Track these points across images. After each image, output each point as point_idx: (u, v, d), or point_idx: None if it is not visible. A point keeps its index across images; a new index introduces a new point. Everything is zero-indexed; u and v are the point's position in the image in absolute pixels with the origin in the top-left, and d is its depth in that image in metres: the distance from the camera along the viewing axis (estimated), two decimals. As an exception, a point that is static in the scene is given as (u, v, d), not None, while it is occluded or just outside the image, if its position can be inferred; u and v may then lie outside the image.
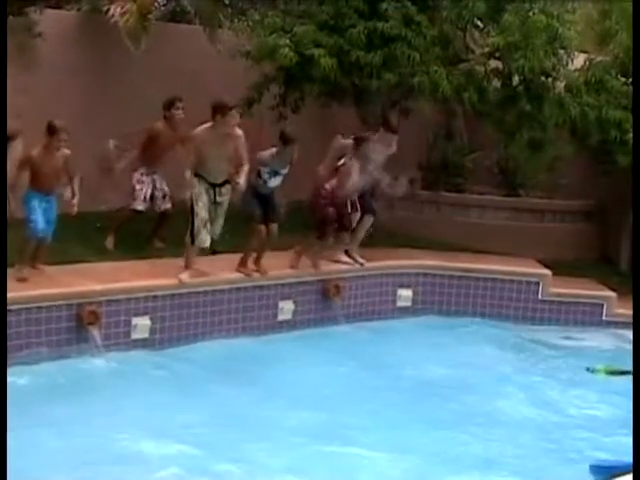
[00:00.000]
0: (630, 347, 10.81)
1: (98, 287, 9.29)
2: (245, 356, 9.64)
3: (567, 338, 11.27)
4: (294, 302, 10.76)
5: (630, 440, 7.31)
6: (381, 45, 12.25)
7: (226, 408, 8.21)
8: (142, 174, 11.08)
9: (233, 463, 7.12)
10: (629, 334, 11.45)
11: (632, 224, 4.05)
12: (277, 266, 10.76)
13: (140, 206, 11.02)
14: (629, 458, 6.69)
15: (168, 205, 11.16)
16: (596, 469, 6.90)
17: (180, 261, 10.07)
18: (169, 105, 11.09)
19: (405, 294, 11.74)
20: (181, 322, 9.84)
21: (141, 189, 11.04)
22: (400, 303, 11.71)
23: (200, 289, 10.03)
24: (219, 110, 9.84)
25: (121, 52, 11.79)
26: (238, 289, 10.31)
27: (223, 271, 10.42)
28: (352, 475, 7.12)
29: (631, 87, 12.61)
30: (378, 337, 10.61)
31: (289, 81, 12.57)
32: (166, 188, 11.18)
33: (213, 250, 10.66)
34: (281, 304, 10.67)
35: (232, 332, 10.21)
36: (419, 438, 7.79)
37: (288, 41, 11.97)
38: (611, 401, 8.98)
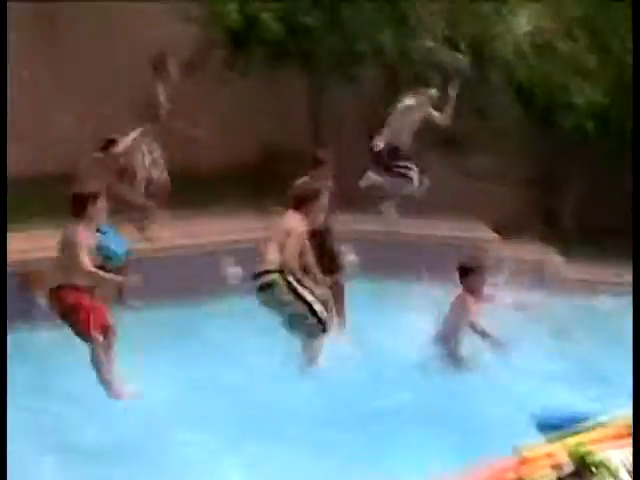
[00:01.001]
0: (571, 311, 10.98)
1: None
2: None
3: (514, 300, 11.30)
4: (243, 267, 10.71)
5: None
6: (326, 9, 12.23)
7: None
8: None
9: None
10: (572, 296, 11.61)
11: (632, 238, 4.07)
12: (224, 230, 10.74)
13: None
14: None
15: None
16: (542, 424, 6.96)
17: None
18: None
19: (351, 259, 11.73)
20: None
21: None
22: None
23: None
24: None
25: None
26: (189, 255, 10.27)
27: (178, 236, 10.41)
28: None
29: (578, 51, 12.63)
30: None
31: (236, 43, 12.48)
32: None
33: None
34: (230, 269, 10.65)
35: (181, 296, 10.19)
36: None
37: (236, 5, 11.90)
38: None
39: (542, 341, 9.71)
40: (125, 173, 10.51)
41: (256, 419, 7.59)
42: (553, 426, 6.18)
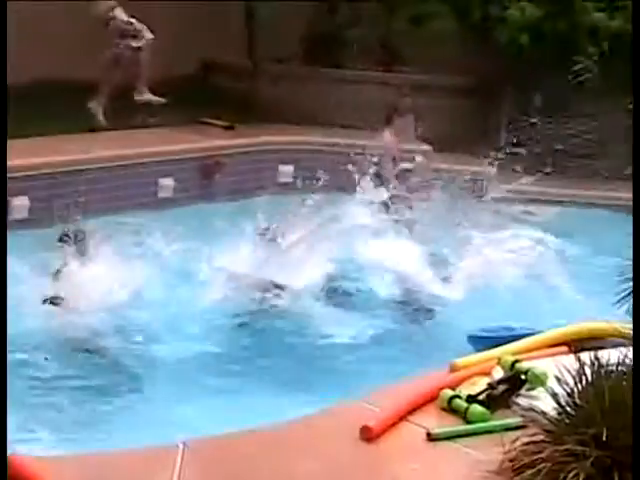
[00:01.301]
0: (508, 223, 11.04)
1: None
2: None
3: (447, 213, 11.32)
4: (174, 179, 10.62)
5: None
6: None
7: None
8: None
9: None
10: (508, 208, 11.68)
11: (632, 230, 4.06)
12: (156, 142, 10.60)
13: None
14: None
15: None
16: (474, 339, 7.03)
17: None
18: None
19: (286, 170, 11.70)
20: (61, 202, 9.61)
21: None
22: (281, 179, 11.67)
23: (79, 167, 9.80)
24: None
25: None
26: (117, 167, 10.12)
27: (102, 149, 10.22)
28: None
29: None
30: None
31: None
32: None
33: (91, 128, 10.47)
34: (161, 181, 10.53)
35: (112, 210, 10.03)
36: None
37: None
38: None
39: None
40: None
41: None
42: (488, 341, 6.26)
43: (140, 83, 10.72)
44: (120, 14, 10.53)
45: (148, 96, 10.74)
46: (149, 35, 10.56)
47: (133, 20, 10.52)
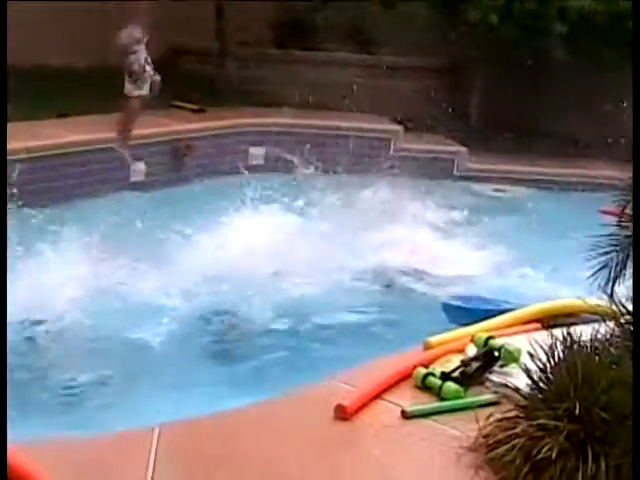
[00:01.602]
0: (482, 201, 11.11)
1: None
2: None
3: (422, 192, 11.32)
4: (145, 163, 10.58)
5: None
6: None
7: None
8: None
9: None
10: (480, 187, 11.76)
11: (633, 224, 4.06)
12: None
13: None
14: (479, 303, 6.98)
15: None
16: (448, 307, 7.09)
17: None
18: None
19: (257, 152, 11.69)
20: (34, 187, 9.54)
21: None
22: (252, 161, 11.65)
23: (52, 152, 9.75)
24: None
25: None
26: (88, 151, 10.07)
27: (73, 133, 10.16)
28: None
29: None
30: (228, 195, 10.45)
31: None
32: None
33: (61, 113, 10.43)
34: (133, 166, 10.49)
35: (85, 195, 9.99)
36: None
37: None
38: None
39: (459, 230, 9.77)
40: None
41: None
42: (462, 314, 6.31)
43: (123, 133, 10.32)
44: (141, 54, 10.34)
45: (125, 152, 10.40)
46: (157, 80, 10.32)
47: (148, 68, 10.31)
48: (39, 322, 7.07)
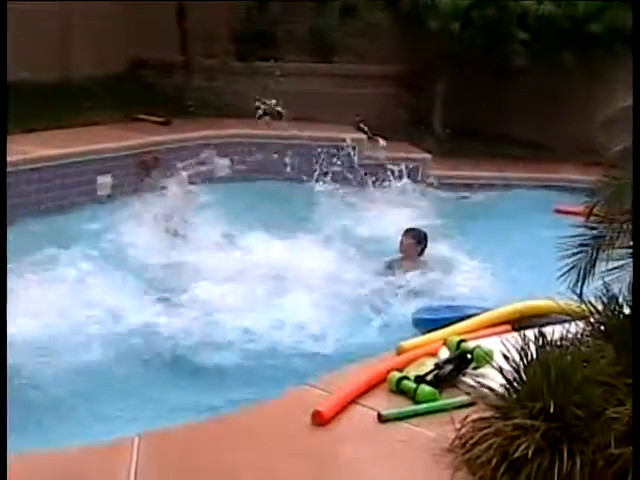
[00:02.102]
0: (445, 206, 11.18)
1: None
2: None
3: (385, 200, 11.39)
4: (112, 176, 10.57)
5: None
6: None
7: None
8: None
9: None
10: (444, 194, 11.83)
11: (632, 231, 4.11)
12: (93, 140, 10.56)
13: None
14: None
15: None
16: (418, 321, 7.14)
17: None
18: None
19: (222, 163, 11.74)
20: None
21: None
22: (218, 172, 11.70)
23: (18, 167, 9.72)
24: None
25: None
26: (56, 166, 10.05)
27: (42, 148, 10.17)
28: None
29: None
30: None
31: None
32: None
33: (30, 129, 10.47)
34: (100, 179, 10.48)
35: (53, 209, 9.97)
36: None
37: None
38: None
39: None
40: None
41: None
42: (432, 323, 6.36)
43: None
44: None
45: None
46: None
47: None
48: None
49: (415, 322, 7.19)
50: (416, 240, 8.86)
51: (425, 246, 8.90)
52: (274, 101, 11.31)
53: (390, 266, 8.80)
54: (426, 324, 6.92)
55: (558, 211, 10.88)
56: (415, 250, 8.85)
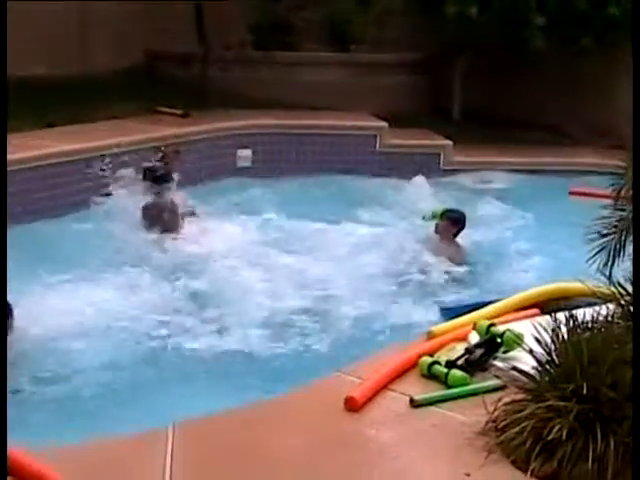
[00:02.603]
0: (467, 195, 11.17)
1: None
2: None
3: (408, 188, 11.36)
4: (135, 170, 10.57)
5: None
6: None
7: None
8: None
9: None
10: (466, 180, 11.83)
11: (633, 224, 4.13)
12: (113, 135, 10.61)
13: None
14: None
15: None
16: (446, 311, 7.17)
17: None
18: None
19: (245, 154, 11.75)
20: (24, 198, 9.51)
21: None
22: (240, 163, 11.72)
23: (40, 163, 9.78)
24: None
25: None
26: (77, 160, 10.08)
27: (61, 143, 10.21)
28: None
29: None
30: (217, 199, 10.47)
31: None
32: None
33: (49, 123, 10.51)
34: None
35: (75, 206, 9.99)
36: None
37: None
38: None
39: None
40: None
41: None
42: (459, 310, 6.37)
43: None
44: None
45: None
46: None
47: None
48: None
49: (443, 312, 7.22)
50: (451, 222, 8.83)
51: (461, 228, 8.84)
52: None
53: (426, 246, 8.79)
54: (453, 312, 6.96)
55: (573, 193, 10.91)
56: (450, 232, 8.82)
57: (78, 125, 10.92)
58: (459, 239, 8.91)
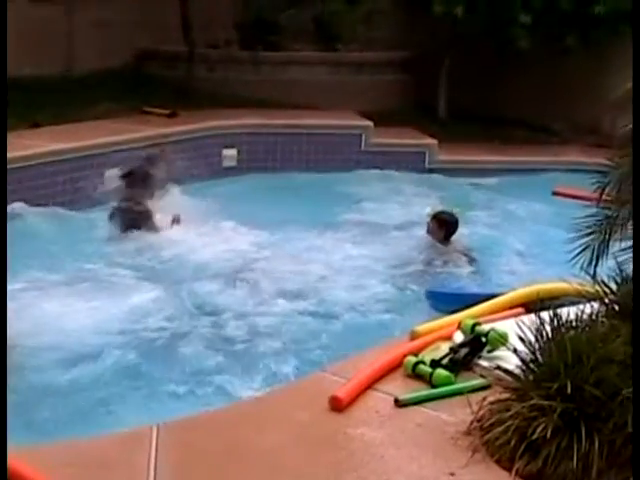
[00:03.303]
0: (451, 193, 11.18)
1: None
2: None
3: (393, 187, 11.38)
4: (120, 170, 10.55)
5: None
6: None
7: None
8: None
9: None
10: (451, 180, 11.83)
11: (632, 224, 4.13)
12: (100, 134, 10.58)
13: None
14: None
15: None
16: (431, 294, 7.19)
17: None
18: None
19: (230, 154, 11.74)
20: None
21: None
22: (226, 163, 11.71)
23: (27, 163, 9.75)
24: None
25: None
26: (63, 160, 10.07)
27: (49, 142, 10.19)
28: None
29: None
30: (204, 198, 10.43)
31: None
32: None
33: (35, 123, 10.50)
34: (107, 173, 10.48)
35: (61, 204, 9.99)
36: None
37: None
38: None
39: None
40: None
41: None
42: (445, 299, 6.39)
43: None
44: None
45: None
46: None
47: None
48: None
49: (428, 295, 7.23)
50: (438, 223, 8.80)
51: (452, 231, 8.80)
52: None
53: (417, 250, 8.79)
54: (438, 298, 6.98)
55: (557, 193, 10.92)
56: (439, 233, 8.80)
57: (64, 125, 10.87)
58: (454, 240, 8.87)
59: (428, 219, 8.93)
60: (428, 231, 8.86)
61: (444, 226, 8.75)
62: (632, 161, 4.63)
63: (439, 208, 9.14)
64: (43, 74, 12.23)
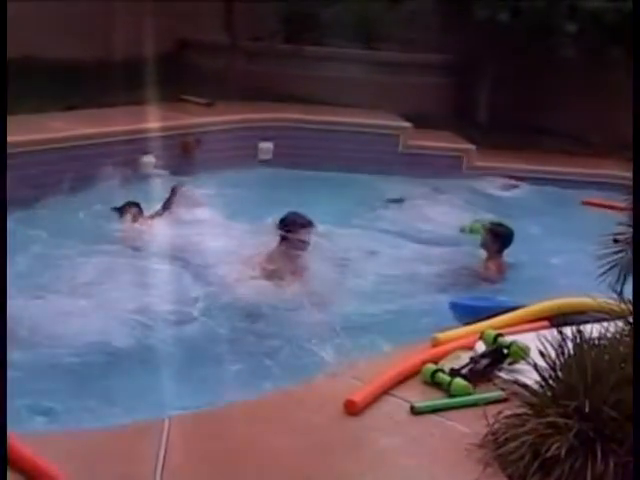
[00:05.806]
0: (489, 200, 11.11)
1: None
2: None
3: (428, 192, 11.29)
4: (155, 157, 10.56)
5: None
6: None
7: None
8: None
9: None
10: (487, 185, 11.75)
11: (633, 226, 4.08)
12: (136, 120, 10.58)
13: None
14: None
15: None
16: (455, 305, 7.13)
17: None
18: None
19: (266, 147, 11.72)
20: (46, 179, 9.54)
21: None
22: (261, 156, 11.69)
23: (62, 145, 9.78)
24: None
25: None
26: (98, 144, 10.08)
27: (80, 126, 10.20)
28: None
29: None
30: (238, 190, 10.43)
31: None
32: None
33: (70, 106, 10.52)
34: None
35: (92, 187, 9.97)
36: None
37: None
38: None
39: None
40: None
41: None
42: (470, 312, 6.32)
43: None
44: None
45: None
46: None
47: None
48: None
49: (452, 306, 7.16)
50: (493, 236, 8.58)
51: (505, 244, 8.55)
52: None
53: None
54: (463, 309, 6.91)
55: (586, 203, 10.85)
56: (494, 246, 8.57)
57: (99, 109, 10.87)
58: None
59: (473, 234, 8.83)
60: (482, 244, 8.67)
61: (499, 239, 8.59)
62: (633, 162, 4.56)
63: (481, 219, 9.07)
64: (84, 58, 12.27)
